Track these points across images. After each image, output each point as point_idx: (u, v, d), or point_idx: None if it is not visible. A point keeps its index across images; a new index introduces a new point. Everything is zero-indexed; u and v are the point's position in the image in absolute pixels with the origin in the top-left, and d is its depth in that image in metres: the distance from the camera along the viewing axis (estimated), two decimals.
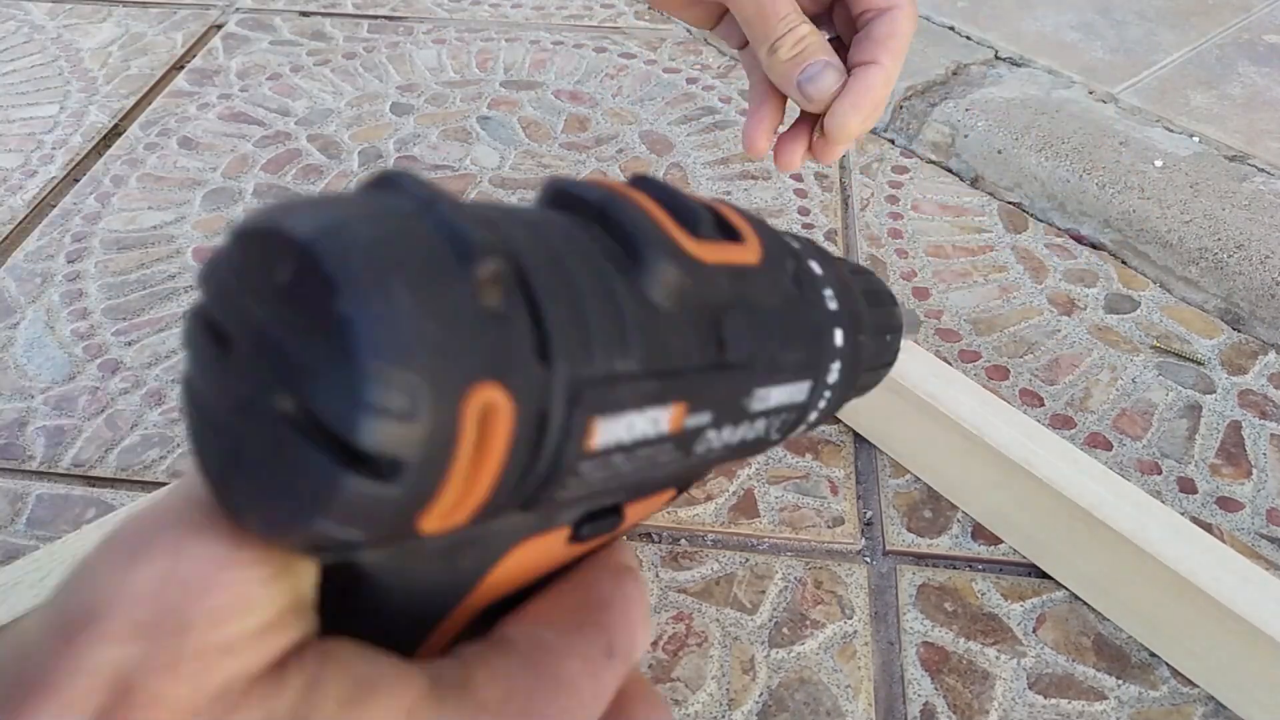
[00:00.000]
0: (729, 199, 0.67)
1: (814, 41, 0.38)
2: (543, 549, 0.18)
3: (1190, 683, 0.41)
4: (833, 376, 0.22)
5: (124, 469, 0.50)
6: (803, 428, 0.22)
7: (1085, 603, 0.44)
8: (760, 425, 0.20)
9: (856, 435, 0.51)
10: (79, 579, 0.15)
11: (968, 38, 0.80)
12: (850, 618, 0.44)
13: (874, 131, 0.75)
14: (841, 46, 0.39)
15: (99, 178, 0.69)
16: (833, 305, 0.22)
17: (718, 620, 0.44)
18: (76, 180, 0.69)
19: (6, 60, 0.82)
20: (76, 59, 0.82)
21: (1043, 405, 0.54)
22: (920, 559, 0.46)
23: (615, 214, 0.17)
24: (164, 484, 0.42)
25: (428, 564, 0.16)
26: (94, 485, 0.49)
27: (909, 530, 0.47)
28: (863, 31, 0.38)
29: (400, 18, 0.88)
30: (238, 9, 0.89)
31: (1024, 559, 0.46)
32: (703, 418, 0.18)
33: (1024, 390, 0.54)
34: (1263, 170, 0.65)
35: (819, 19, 0.40)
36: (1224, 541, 0.43)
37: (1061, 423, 0.53)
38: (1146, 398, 0.54)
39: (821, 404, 0.22)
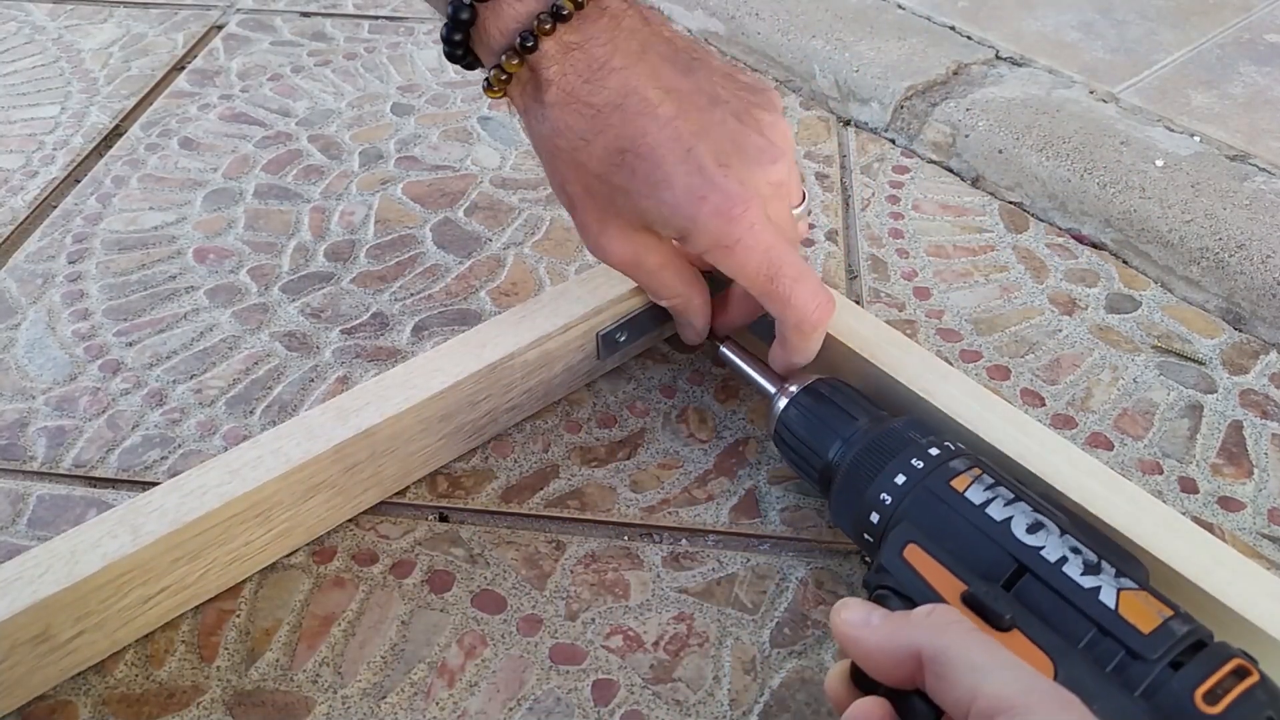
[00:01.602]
0: None
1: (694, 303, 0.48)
2: None
3: None
4: None
5: (125, 469, 0.50)
6: None
7: None
8: None
9: None
10: None
11: (968, 37, 0.80)
12: None
13: (875, 131, 0.75)
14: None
15: (100, 178, 0.69)
16: None
17: (719, 620, 0.44)
18: (78, 181, 0.69)
19: (7, 61, 0.82)
20: (77, 60, 0.82)
21: (1044, 405, 0.54)
22: None
23: None
24: (164, 484, 0.42)
25: None
26: (95, 486, 0.49)
27: None
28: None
29: (401, 18, 0.88)
30: (238, 10, 0.89)
31: None
32: None
33: (1025, 390, 0.54)
34: (1264, 170, 0.65)
35: None
36: (1225, 541, 0.43)
37: (1063, 422, 0.53)
38: (1148, 397, 0.54)
39: None
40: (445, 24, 0.41)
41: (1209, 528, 0.47)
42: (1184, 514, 0.45)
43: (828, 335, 0.47)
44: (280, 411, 0.52)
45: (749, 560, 0.46)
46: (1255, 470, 0.51)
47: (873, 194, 0.69)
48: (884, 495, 0.39)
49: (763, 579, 0.45)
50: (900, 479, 0.39)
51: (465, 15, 0.40)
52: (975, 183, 0.70)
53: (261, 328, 0.57)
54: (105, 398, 0.53)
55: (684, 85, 0.40)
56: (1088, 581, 0.33)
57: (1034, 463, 0.42)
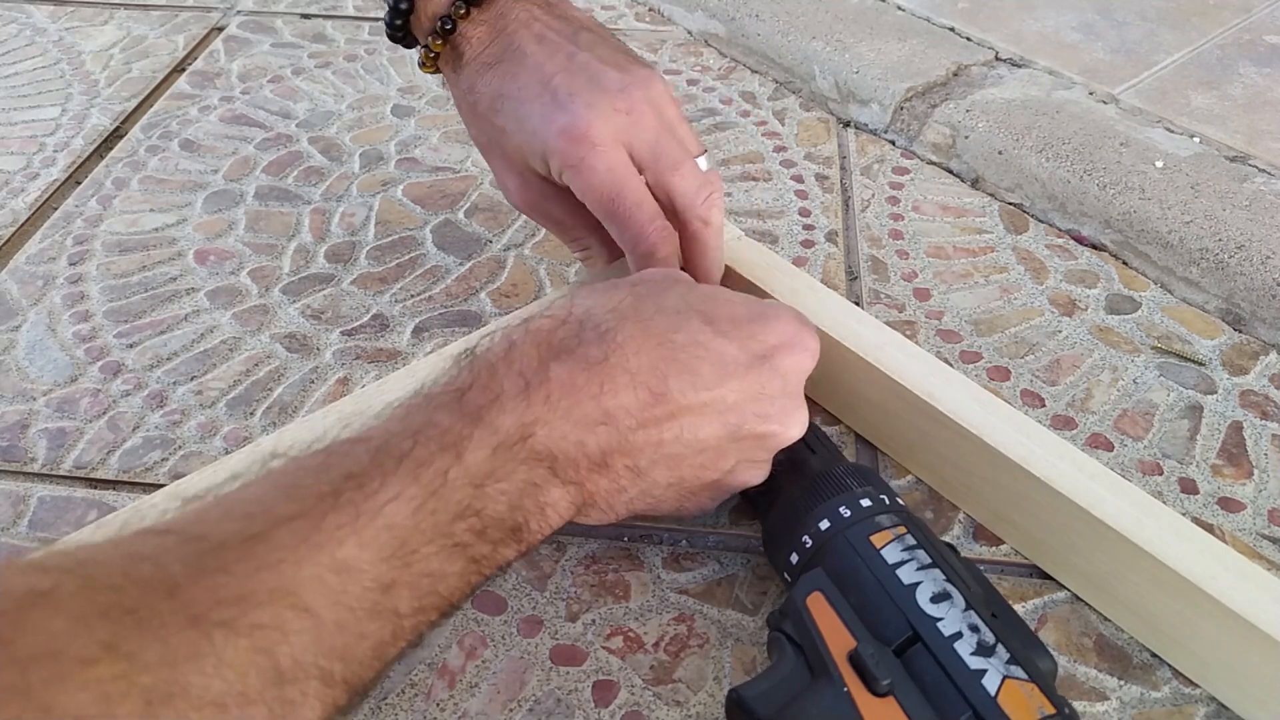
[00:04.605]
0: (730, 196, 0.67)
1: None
2: None
3: (1192, 683, 0.41)
4: None
5: (125, 471, 0.50)
6: None
7: (1087, 603, 0.44)
8: None
9: (857, 435, 0.51)
10: None
11: (968, 39, 0.80)
12: None
13: (874, 133, 0.75)
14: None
15: (100, 180, 0.69)
16: None
17: (719, 621, 0.44)
18: (78, 183, 0.69)
19: (8, 63, 0.82)
20: (78, 62, 0.82)
21: (1044, 406, 0.54)
22: None
23: None
24: (165, 486, 0.42)
25: None
26: (96, 487, 0.49)
27: None
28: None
29: None
30: (239, 11, 0.89)
31: (1026, 560, 0.46)
32: None
33: (1025, 391, 0.54)
34: (1264, 171, 0.65)
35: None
36: (1225, 542, 0.43)
37: (1063, 423, 0.53)
38: (1148, 398, 0.54)
39: None
40: (389, 12, 0.49)
41: (1209, 529, 0.47)
42: (1184, 515, 0.45)
43: (829, 338, 0.47)
44: (281, 413, 0.53)
45: (749, 561, 0.46)
46: (1255, 471, 0.51)
47: (872, 195, 0.69)
48: (806, 538, 0.39)
49: (763, 580, 0.45)
50: (825, 524, 0.38)
51: (404, 6, 0.48)
52: (975, 184, 0.70)
53: (262, 329, 0.57)
54: (106, 399, 0.53)
55: (558, 40, 0.46)
56: (975, 662, 0.32)
57: (1039, 467, 0.42)
